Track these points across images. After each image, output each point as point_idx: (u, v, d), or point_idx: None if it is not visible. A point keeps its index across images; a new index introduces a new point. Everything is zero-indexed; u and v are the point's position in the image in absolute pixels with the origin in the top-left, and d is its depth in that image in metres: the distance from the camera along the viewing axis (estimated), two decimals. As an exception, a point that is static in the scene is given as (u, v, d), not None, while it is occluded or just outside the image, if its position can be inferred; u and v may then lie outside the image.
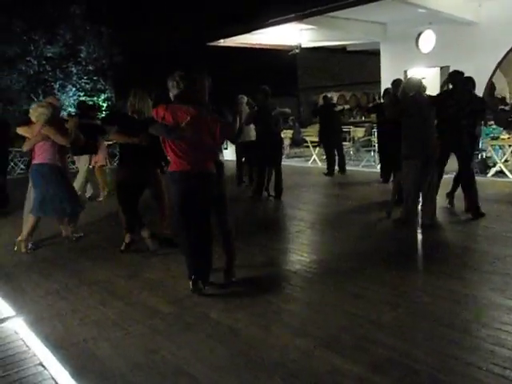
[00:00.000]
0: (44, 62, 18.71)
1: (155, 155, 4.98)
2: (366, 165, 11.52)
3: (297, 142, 15.45)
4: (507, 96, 14.40)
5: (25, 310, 3.84)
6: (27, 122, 5.57)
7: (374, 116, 10.89)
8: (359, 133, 14.01)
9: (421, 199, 5.96)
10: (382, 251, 5.11)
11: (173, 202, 4.03)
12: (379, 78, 13.32)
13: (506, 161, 9.53)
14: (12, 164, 13.16)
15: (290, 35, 13.27)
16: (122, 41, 19.64)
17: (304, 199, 8.28)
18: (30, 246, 5.57)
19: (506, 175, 9.08)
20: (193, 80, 3.89)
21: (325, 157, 11.16)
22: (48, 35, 18.45)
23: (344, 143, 14.47)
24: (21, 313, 3.78)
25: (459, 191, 6.55)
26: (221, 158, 4.43)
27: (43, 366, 2.99)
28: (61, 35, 18.79)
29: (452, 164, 6.48)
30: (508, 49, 10.58)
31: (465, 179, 6.35)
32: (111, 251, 5.45)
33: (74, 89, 19.19)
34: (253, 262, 4.82)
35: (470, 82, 6.43)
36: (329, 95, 11.99)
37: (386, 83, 10.64)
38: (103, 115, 16.20)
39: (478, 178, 8.99)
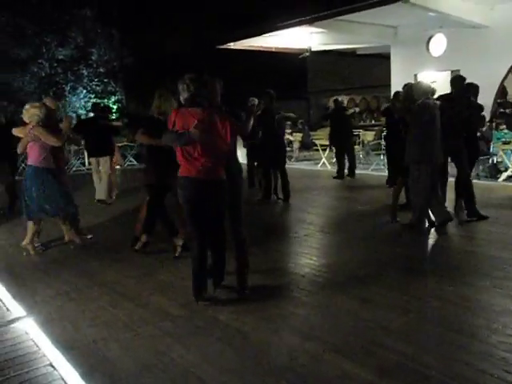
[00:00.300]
0: (55, 65, 18.89)
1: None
2: (376, 168, 11.49)
3: (306, 145, 15.46)
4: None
5: (35, 310, 3.87)
6: (26, 124, 5.49)
7: (383, 119, 10.87)
8: (369, 136, 13.97)
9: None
10: (391, 255, 5.09)
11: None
12: (389, 81, 13.28)
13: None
14: (23, 165, 13.27)
15: (300, 38, 13.29)
16: (132, 43, 19.77)
17: (313, 202, 8.27)
18: (38, 246, 5.59)
19: (517, 180, 9.01)
20: (203, 82, 3.85)
21: (334, 160, 11.15)
22: (60, 38, 18.63)
23: (354, 146, 14.48)
24: (31, 313, 3.81)
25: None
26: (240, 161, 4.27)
27: (53, 366, 3.01)
28: (72, 38, 18.96)
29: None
30: (520, 52, 10.52)
31: (461, 184, 6.36)
32: (121, 252, 5.49)
33: (84, 91, 19.34)
34: (262, 265, 4.82)
35: (471, 88, 6.41)
36: (339, 99, 11.97)
37: (396, 87, 10.63)
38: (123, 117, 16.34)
39: (489, 183, 8.99)
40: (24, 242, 5.53)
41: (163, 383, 2.81)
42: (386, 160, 10.06)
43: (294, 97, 22.63)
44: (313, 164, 13.40)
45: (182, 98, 3.88)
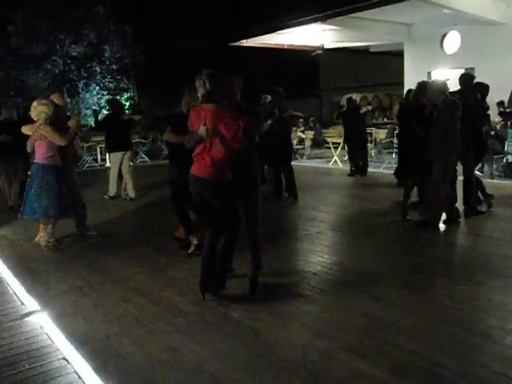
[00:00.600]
0: (69, 61, 19.05)
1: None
2: (388, 166, 11.42)
3: (318, 142, 15.42)
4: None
5: (49, 304, 3.91)
6: (34, 121, 5.48)
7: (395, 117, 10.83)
8: (381, 134, 13.89)
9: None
10: (403, 254, 5.07)
11: None
12: (402, 79, 13.20)
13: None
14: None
15: (312, 36, 13.26)
16: (144, 40, 19.86)
17: (325, 200, 8.26)
18: (51, 242, 5.62)
19: (532, 179, 8.90)
20: (221, 79, 3.81)
21: (346, 158, 11.12)
22: (73, 35, 18.77)
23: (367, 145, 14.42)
24: (45, 307, 3.85)
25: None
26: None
27: (67, 360, 3.05)
28: (85, 35, 19.09)
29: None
30: (536, 50, 10.40)
31: (464, 180, 6.37)
32: (134, 248, 5.53)
33: (97, 88, 19.48)
34: (273, 262, 4.82)
35: (480, 87, 6.37)
36: (353, 97, 11.92)
37: (409, 84, 10.57)
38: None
39: (503, 182, 8.90)
40: (36, 238, 5.59)
41: (175, 379, 2.83)
42: (397, 158, 10.00)
43: (306, 94, 22.60)
44: (324, 162, 13.36)
45: (199, 94, 3.90)
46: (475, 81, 6.50)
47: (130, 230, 6.49)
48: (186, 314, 3.66)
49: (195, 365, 2.95)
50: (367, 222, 6.49)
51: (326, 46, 14.13)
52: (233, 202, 3.85)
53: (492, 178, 9.11)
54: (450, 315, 3.52)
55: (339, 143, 12.37)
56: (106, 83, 19.62)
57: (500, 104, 10.42)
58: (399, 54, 13.96)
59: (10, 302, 4.01)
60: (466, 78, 6.38)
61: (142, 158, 14.69)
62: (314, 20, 11.35)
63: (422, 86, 6.17)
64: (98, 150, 14.58)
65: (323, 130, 15.70)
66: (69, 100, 18.56)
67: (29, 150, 5.58)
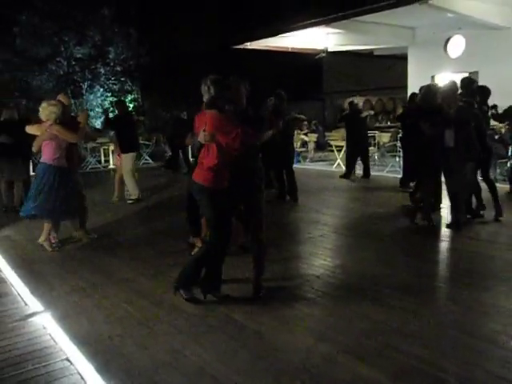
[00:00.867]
0: (73, 63, 19.10)
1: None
2: (391, 170, 11.41)
3: (321, 145, 15.42)
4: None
5: (52, 305, 3.92)
6: (39, 121, 5.51)
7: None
8: (384, 138, 13.89)
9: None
10: (407, 258, 5.06)
11: None
12: (406, 82, 13.20)
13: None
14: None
15: (316, 39, 13.27)
16: (149, 42, 19.90)
17: (328, 203, 8.25)
18: (55, 243, 5.65)
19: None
20: (227, 85, 3.80)
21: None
22: (78, 36, 18.81)
23: (369, 148, 14.41)
24: (48, 308, 3.86)
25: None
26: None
27: (69, 361, 3.05)
28: (90, 37, 19.13)
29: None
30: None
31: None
32: (136, 250, 5.53)
33: (101, 89, 19.51)
34: (276, 265, 4.82)
35: (480, 90, 6.38)
36: (355, 101, 11.96)
37: (412, 88, 10.54)
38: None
39: (506, 186, 8.86)
40: (40, 240, 5.60)
41: (177, 381, 2.83)
42: (401, 162, 9.99)
43: (309, 97, 22.60)
44: (327, 165, 13.36)
45: (204, 99, 3.87)
46: (476, 84, 6.51)
47: (133, 232, 6.50)
48: (189, 316, 3.66)
49: (197, 367, 2.95)
50: (370, 226, 6.48)
51: (329, 49, 14.15)
52: (220, 212, 3.77)
53: (495, 182, 9.08)
54: (454, 320, 3.51)
55: (342, 146, 12.37)
56: (110, 85, 19.66)
57: (493, 107, 10.42)
58: (403, 58, 13.96)
59: (13, 303, 4.02)
60: (467, 82, 6.38)
61: (146, 159, 14.71)
62: (319, 23, 11.37)
63: (429, 89, 6.16)
64: (102, 152, 14.61)
65: (326, 133, 15.72)
66: (73, 101, 18.61)
67: (34, 150, 5.58)
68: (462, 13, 10.06)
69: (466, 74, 11.45)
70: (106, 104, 19.06)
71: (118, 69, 19.82)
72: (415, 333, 3.30)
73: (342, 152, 12.42)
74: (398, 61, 15.62)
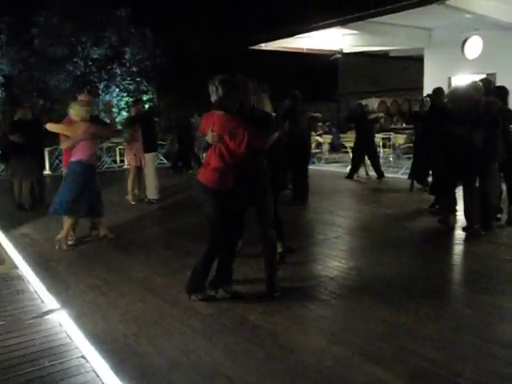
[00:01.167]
0: (90, 63, 19.31)
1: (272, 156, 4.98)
2: (406, 172, 11.30)
3: (335, 147, 15.38)
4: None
5: (68, 303, 3.96)
6: (58, 121, 5.68)
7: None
8: (400, 139, 13.79)
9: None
10: (422, 260, 5.02)
11: None
12: (422, 84, 13.08)
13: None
14: (57, 161, 13.61)
15: (332, 40, 13.21)
16: (164, 42, 20.03)
17: (342, 205, 8.22)
18: (71, 242, 5.71)
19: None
20: (235, 84, 3.79)
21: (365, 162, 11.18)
22: (95, 37, 19.03)
23: (384, 149, 14.35)
24: (65, 306, 3.90)
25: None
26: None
27: (85, 358, 3.08)
28: (106, 37, 19.33)
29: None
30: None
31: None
32: (152, 249, 5.58)
33: (117, 89, 19.70)
34: (291, 266, 4.82)
35: (499, 91, 6.30)
36: (363, 103, 11.98)
37: (428, 90, 10.44)
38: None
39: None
40: (59, 236, 5.67)
41: (191, 380, 2.84)
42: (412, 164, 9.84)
43: (324, 98, 22.55)
44: (342, 166, 13.31)
45: (212, 100, 3.84)
46: (494, 85, 6.45)
47: (149, 232, 6.54)
48: (203, 316, 3.67)
49: (211, 367, 2.96)
50: (385, 228, 6.44)
51: (345, 51, 14.07)
52: (226, 210, 3.81)
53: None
54: (470, 324, 3.47)
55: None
56: (126, 85, 19.84)
57: None
58: (419, 59, 13.84)
59: (30, 300, 4.08)
60: (484, 83, 6.32)
61: (161, 159, 14.79)
62: (335, 24, 11.31)
63: (456, 90, 6.08)
64: (118, 151, 14.73)
65: (341, 135, 15.66)
66: (89, 101, 18.77)
67: (66, 147, 5.60)
68: (479, 13, 9.93)
69: (484, 76, 11.36)
70: (122, 104, 19.23)
71: (134, 69, 19.99)
72: (431, 336, 3.27)
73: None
74: (414, 62, 15.50)
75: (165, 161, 14.80)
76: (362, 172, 11.09)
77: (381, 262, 4.95)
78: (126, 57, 19.76)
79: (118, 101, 19.51)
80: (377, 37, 12.81)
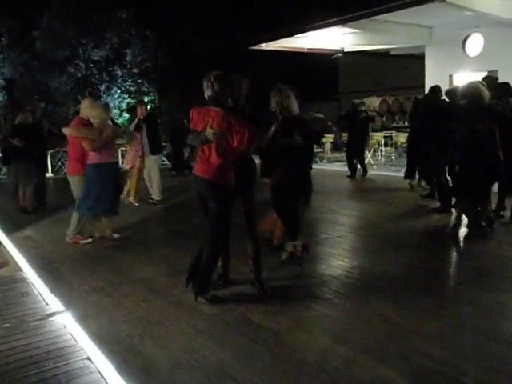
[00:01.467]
0: (91, 65, 19.34)
1: (308, 155, 5.03)
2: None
3: (337, 146, 15.35)
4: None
5: (72, 305, 3.97)
6: (67, 123, 5.84)
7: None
8: (401, 138, 13.77)
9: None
10: (426, 259, 5.01)
11: None
12: (423, 82, 13.06)
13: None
14: (59, 163, 13.64)
15: (332, 39, 13.20)
16: (165, 44, 20.05)
17: (345, 204, 8.21)
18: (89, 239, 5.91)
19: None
20: (230, 82, 3.80)
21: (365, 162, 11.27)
22: (96, 39, 19.05)
23: (386, 148, 14.35)
24: (69, 308, 3.91)
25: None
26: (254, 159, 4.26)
27: (90, 359, 3.09)
28: (107, 39, 19.35)
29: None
30: (562, 52, 10.19)
31: None
32: (155, 250, 5.59)
33: (118, 91, 19.72)
34: (294, 265, 4.82)
35: (503, 87, 6.29)
36: (357, 101, 12.18)
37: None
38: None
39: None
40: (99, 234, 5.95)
41: (196, 380, 2.85)
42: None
43: (325, 98, 22.54)
44: (344, 165, 13.27)
45: (206, 95, 3.83)
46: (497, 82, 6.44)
47: (152, 232, 6.55)
48: (207, 316, 3.68)
49: (216, 367, 2.97)
50: (388, 227, 6.43)
51: (346, 49, 14.05)
52: (229, 205, 3.87)
53: None
54: (475, 322, 3.46)
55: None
56: (128, 87, 19.86)
57: None
58: (420, 57, 13.82)
59: (34, 302, 4.09)
60: (489, 80, 6.31)
61: (163, 160, 14.79)
62: (336, 23, 11.29)
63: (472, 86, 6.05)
64: (120, 153, 14.73)
65: (343, 134, 15.63)
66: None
67: (93, 149, 5.62)
68: (480, 10, 9.90)
69: (485, 73, 11.33)
70: (124, 106, 19.25)
71: (135, 71, 20.02)
72: (435, 335, 3.27)
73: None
74: (415, 60, 15.47)
75: (167, 162, 14.80)
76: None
77: (384, 261, 4.95)
78: (127, 58, 19.79)
79: (119, 102, 19.53)
80: (377, 35, 12.79)
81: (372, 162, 13.19)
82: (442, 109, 7.06)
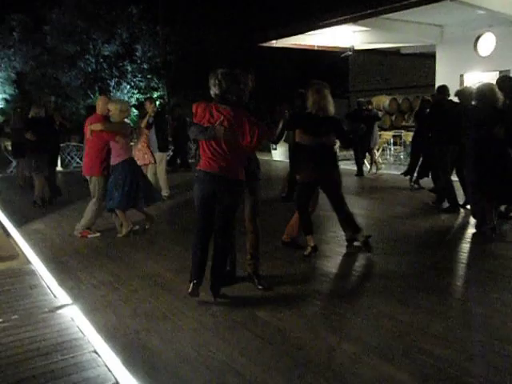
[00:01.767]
0: (101, 60, 19.40)
1: (334, 153, 5.09)
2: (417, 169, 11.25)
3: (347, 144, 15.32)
4: None
5: (80, 298, 4.00)
6: (83, 119, 5.93)
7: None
8: (410, 137, 13.69)
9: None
10: (433, 259, 4.99)
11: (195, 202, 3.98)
12: (433, 81, 12.98)
13: None
14: (69, 157, 13.72)
15: (343, 37, 13.17)
16: (175, 40, 20.05)
17: (352, 202, 8.12)
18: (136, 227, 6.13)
19: None
20: (237, 79, 3.80)
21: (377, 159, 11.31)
22: (106, 35, 19.10)
23: (395, 147, 14.32)
24: (76, 301, 3.94)
25: None
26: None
27: (97, 353, 3.11)
28: (118, 34, 19.40)
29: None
30: None
31: None
32: (163, 246, 5.62)
33: (128, 86, 19.78)
34: (301, 263, 4.83)
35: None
36: (362, 99, 12.27)
37: (441, 87, 10.36)
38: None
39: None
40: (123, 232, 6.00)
41: (202, 375, 2.86)
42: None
43: (335, 96, 22.45)
44: (353, 163, 13.24)
45: (212, 93, 3.83)
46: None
47: (159, 229, 6.58)
48: (213, 312, 3.69)
49: (222, 362, 2.98)
50: (395, 225, 6.41)
51: (356, 47, 14.02)
52: (238, 203, 3.95)
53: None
54: (482, 323, 3.45)
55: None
56: (137, 82, 19.91)
57: None
58: (431, 56, 13.74)
59: (43, 295, 4.13)
60: (505, 79, 6.25)
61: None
62: (347, 21, 11.26)
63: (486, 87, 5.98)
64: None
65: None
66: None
67: (126, 143, 5.86)
68: (492, 9, 9.83)
69: (497, 73, 11.24)
70: (133, 101, 19.30)
71: (145, 66, 20.05)
72: (441, 334, 3.26)
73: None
74: (426, 59, 15.39)
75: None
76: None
77: (391, 260, 4.94)
78: (137, 54, 19.83)
79: (128, 98, 19.58)
80: (388, 33, 12.75)
81: (381, 161, 13.14)
82: (447, 109, 7.03)
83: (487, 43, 11.72)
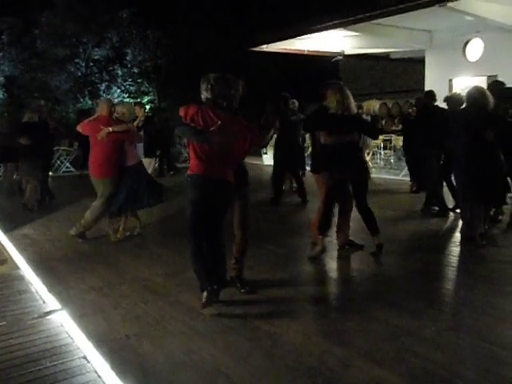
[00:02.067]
0: (91, 64, 19.30)
1: (360, 149, 5.15)
2: (407, 174, 11.31)
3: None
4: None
5: (70, 304, 3.96)
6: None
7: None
8: (401, 141, 13.78)
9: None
10: (425, 263, 5.02)
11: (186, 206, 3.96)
12: (423, 86, 13.10)
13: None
14: (58, 162, 13.62)
15: (333, 42, 13.24)
16: (165, 44, 20.01)
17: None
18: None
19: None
20: (228, 84, 3.81)
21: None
22: (96, 38, 19.02)
23: (385, 151, 14.39)
24: (66, 306, 3.90)
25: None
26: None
27: (86, 359, 3.08)
28: (108, 38, 19.33)
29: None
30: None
31: None
32: (153, 250, 5.59)
33: (118, 90, 19.70)
34: (293, 267, 4.83)
35: (506, 92, 6.30)
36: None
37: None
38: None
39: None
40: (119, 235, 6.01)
41: (193, 381, 2.85)
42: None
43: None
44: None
45: (203, 97, 3.83)
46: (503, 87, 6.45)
47: (150, 233, 6.55)
48: (204, 317, 3.68)
49: (213, 367, 2.97)
50: (387, 230, 6.41)
51: (346, 52, 14.10)
52: (229, 205, 3.99)
53: None
54: (472, 326, 3.47)
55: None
56: (127, 86, 19.84)
57: None
58: (420, 61, 13.86)
59: (32, 301, 4.08)
60: (495, 84, 6.32)
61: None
62: (338, 25, 11.32)
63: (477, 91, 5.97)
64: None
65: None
66: (90, 103, 18.83)
67: (139, 142, 6.20)
68: (480, 15, 9.94)
69: (485, 78, 11.36)
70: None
71: (135, 70, 19.98)
72: (432, 338, 3.28)
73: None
74: (416, 64, 15.50)
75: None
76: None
77: (383, 264, 4.96)
78: (128, 58, 19.77)
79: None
80: (378, 38, 12.84)
81: (371, 165, 13.19)
82: (432, 113, 7.11)
83: (475, 48, 11.86)
